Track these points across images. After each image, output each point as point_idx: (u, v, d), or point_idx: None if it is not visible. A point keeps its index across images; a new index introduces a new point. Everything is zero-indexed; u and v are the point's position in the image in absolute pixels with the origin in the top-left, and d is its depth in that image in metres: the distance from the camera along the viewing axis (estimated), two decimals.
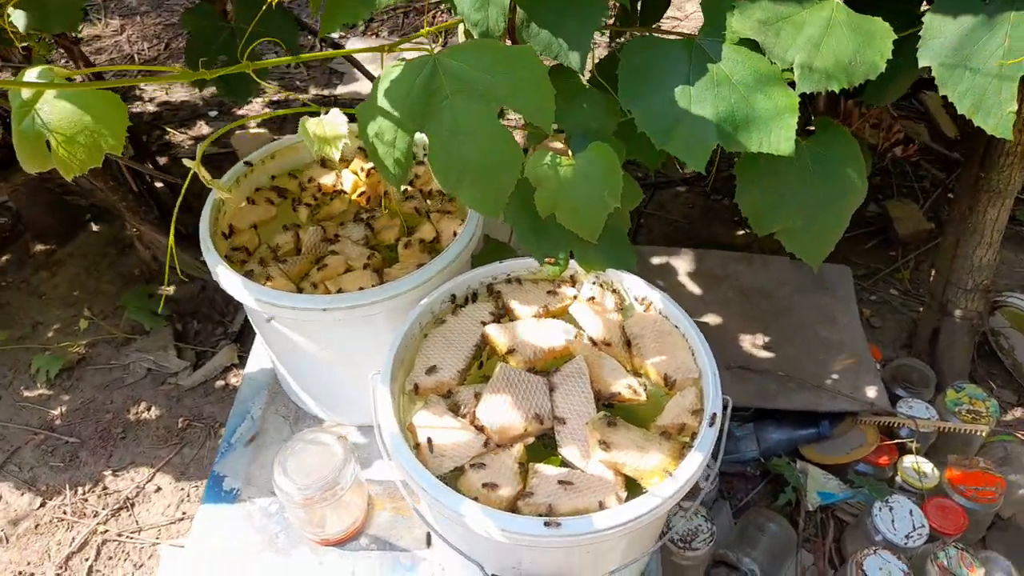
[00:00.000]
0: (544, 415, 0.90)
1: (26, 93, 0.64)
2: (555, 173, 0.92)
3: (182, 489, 1.60)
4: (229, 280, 1.04)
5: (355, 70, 2.64)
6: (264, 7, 1.37)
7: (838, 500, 1.43)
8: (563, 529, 0.78)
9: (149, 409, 1.75)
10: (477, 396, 0.92)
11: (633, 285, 1.05)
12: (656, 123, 0.97)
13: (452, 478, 0.86)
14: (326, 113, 0.78)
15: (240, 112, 2.64)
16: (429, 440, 0.86)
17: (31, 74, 0.64)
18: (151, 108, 2.61)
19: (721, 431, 0.87)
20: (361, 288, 1.04)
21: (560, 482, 0.84)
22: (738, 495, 1.52)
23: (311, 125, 0.78)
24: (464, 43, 0.75)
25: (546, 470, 0.86)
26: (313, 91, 2.68)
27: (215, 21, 1.37)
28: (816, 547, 1.43)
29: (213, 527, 1.14)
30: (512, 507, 0.83)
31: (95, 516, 1.54)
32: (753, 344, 1.58)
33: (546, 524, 0.79)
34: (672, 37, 1.03)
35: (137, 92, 2.66)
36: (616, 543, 0.87)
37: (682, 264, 1.72)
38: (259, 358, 1.38)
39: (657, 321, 1.01)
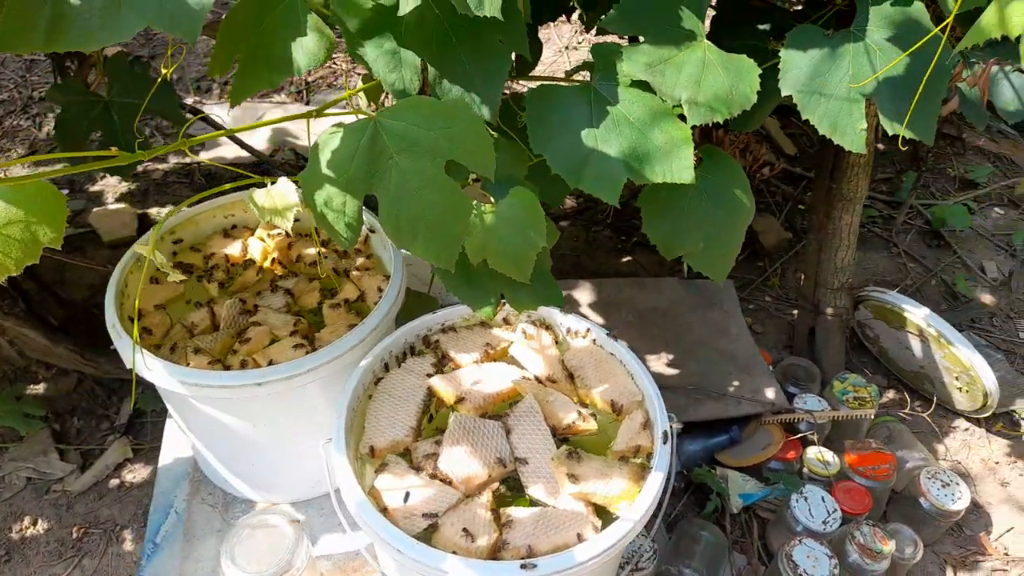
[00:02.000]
0: (505, 458, 0.92)
1: None
2: (481, 221, 0.94)
3: None
4: (150, 366, 0.97)
5: (221, 137, 2.56)
6: (136, 77, 1.33)
7: (758, 499, 1.52)
8: (544, 568, 0.79)
9: (35, 523, 1.58)
10: (435, 449, 0.92)
11: (564, 320, 1.09)
12: (567, 164, 1.03)
13: (426, 536, 0.85)
14: (273, 183, 0.77)
15: (94, 188, 2.48)
16: (407, 495, 0.84)
17: None
18: None
19: (672, 446, 0.92)
20: (289, 358, 1.01)
21: (535, 522, 0.85)
22: (667, 510, 1.58)
23: (259, 197, 0.76)
24: (400, 103, 0.77)
25: (518, 512, 0.87)
26: (173, 159, 2.57)
27: (85, 96, 1.30)
28: (746, 547, 1.51)
29: None
30: (492, 555, 0.84)
31: None
32: (658, 363, 1.67)
33: (522, 566, 0.79)
34: (569, 84, 1.10)
35: None
36: (598, 572, 0.88)
37: (582, 295, 1.79)
38: (174, 447, 1.30)
39: (593, 351, 1.05)
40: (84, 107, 1.28)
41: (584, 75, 1.83)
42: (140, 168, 2.54)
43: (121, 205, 2.30)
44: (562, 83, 1.10)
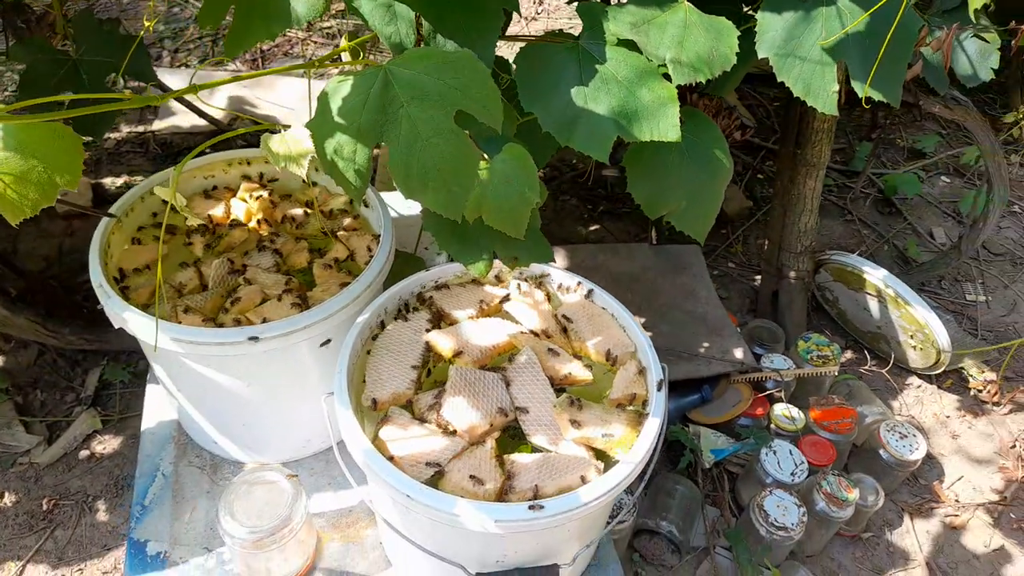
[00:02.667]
0: (506, 407, 0.94)
1: None
2: (476, 177, 0.95)
3: (63, 575, 1.43)
4: (140, 324, 0.96)
5: (171, 103, 2.50)
6: (104, 35, 1.29)
7: (729, 454, 1.58)
8: (551, 508, 0.82)
9: (2, 496, 1.54)
10: (438, 402, 0.93)
11: (556, 276, 1.11)
12: (557, 121, 1.04)
13: (432, 483, 0.86)
14: (285, 129, 0.76)
15: None
16: (415, 453, 0.86)
17: None
18: None
19: (666, 393, 0.96)
20: (282, 316, 1.01)
21: (540, 466, 0.87)
22: None
23: (274, 143, 0.75)
24: (410, 52, 0.77)
25: (522, 458, 0.89)
26: (126, 129, 2.49)
27: (52, 55, 1.26)
28: (718, 499, 1.57)
29: None
30: (499, 498, 0.86)
31: None
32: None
33: (531, 507, 0.82)
34: (558, 43, 1.11)
35: None
36: (596, 516, 0.92)
37: (558, 260, 1.82)
38: (156, 411, 1.28)
39: (585, 305, 1.07)
40: (51, 65, 1.24)
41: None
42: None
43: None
44: (551, 42, 1.11)
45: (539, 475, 0.86)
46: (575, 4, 1.15)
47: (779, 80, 1.14)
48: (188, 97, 2.04)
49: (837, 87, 1.16)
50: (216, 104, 2.45)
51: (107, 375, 1.76)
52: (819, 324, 1.95)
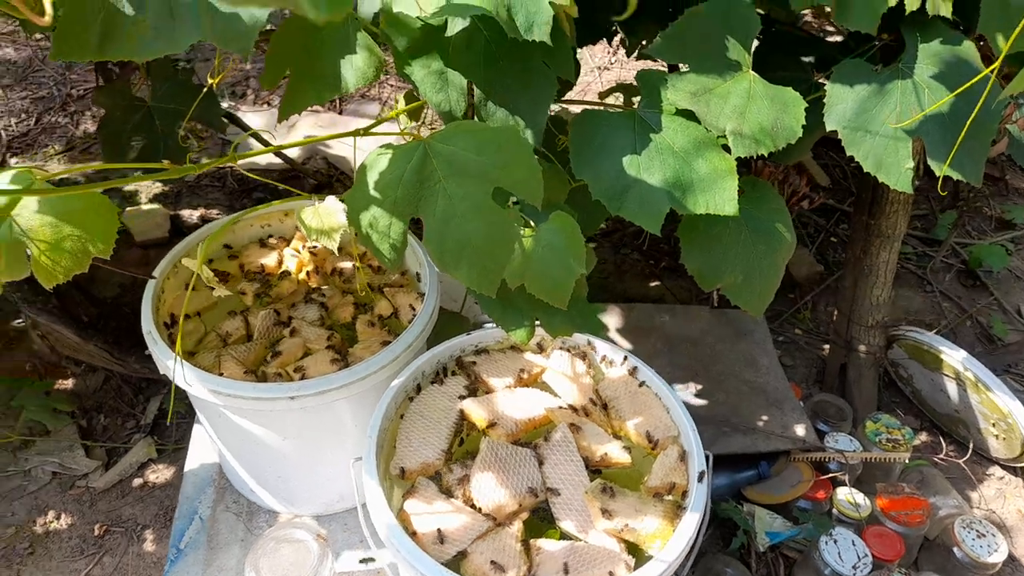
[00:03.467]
0: (537, 487, 0.90)
1: (0, 200, 0.59)
2: (520, 245, 0.94)
3: None
4: (183, 374, 0.97)
5: (251, 140, 2.59)
6: (179, 83, 1.34)
7: (786, 538, 1.49)
8: None
9: (59, 517, 1.59)
10: (466, 475, 0.90)
11: (600, 348, 1.08)
12: (609, 190, 1.02)
13: (455, 564, 0.84)
14: (321, 201, 0.77)
15: (128, 188, 2.51)
16: (439, 531, 0.83)
17: (4, 179, 0.59)
18: None
19: (708, 486, 0.90)
20: (322, 372, 1.01)
21: (567, 557, 0.83)
22: None
23: (307, 217, 0.76)
24: (451, 126, 0.76)
25: (549, 545, 0.85)
26: (205, 162, 2.59)
27: (130, 100, 1.32)
28: None
29: None
30: None
31: None
32: (686, 392, 1.64)
33: None
34: (615, 110, 1.09)
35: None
36: None
37: (611, 319, 1.78)
38: (200, 452, 1.30)
39: (628, 382, 1.03)
40: (127, 111, 1.30)
41: (618, 96, 1.82)
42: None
43: (154, 205, 2.33)
44: (606, 108, 1.09)
45: (565, 567, 0.82)
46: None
47: (848, 154, 1.09)
48: (265, 135, 2.12)
49: (912, 164, 1.10)
50: (292, 142, 2.54)
51: (166, 404, 1.80)
52: (891, 401, 1.84)
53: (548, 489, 0.90)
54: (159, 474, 1.68)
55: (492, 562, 0.82)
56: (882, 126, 1.10)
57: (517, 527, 0.87)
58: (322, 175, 2.37)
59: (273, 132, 2.64)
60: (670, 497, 0.92)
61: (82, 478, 1.65)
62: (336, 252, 0.79)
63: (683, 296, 2.08)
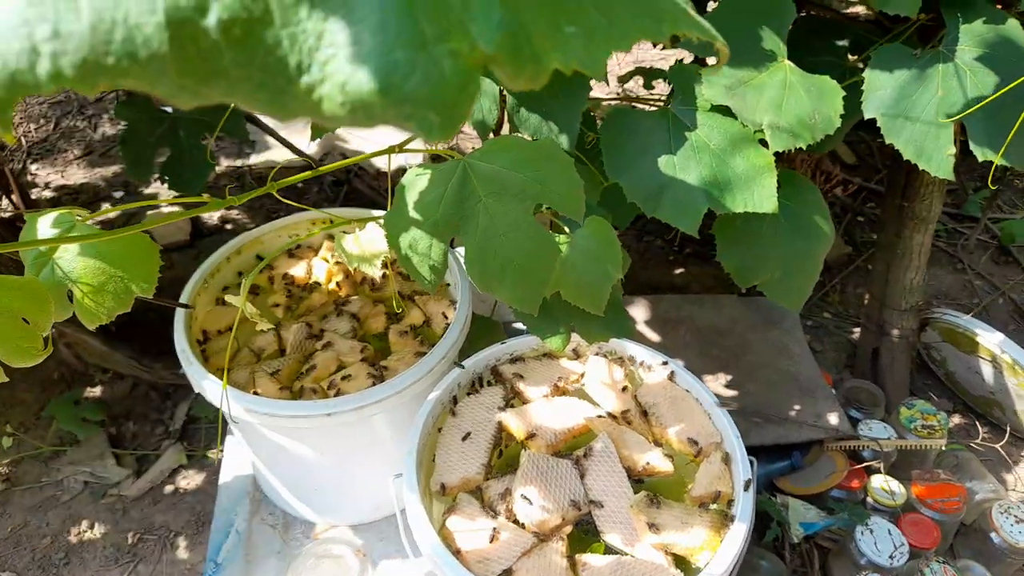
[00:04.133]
0: (580, 500, 0.89)
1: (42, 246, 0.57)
2: None
3: None
4: (216, 393, 0.97)
5: (268, 138, 2.57)
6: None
7: (820, 529, 1.47)
8: None
9: (92, 527, 1.60)
10: (507, 489, 0.89)
11: (637, 353, 1.06)
12: (644, 192, 1.00)
13: None
14: (362, 229, 0.75)
15: (148, 191, 2.50)
16: (480, 538, 0.82)
17: (45, 223, 0.57)
18: (48, 194, 2.43)
19: (754, 494, 0.89)
20: (357, 387, 1.00)
21: (614, 573, 0.82)
22: None
23: (348, 244, 0.74)
24: (489, 143, 0.74)
25: (595, 561, 0.84)
26: (225, 162, 2.58)
27: (152, 113, 1.30)
28: None
29: None
30: None
31: None
32: (717, 384, 1.63)
33: None
34: (648, 108, 1.07)
35: (30, 177, 2.47)
36: None
37: (638, 311, 1.76)
38: (233, 464, 1.30)
39: (667, 387, 1.02)
40: (151, 124, 1.28)
41: (638, 80, 1.77)
42: None
43: (175, 208, 2.31)
44: (639, 106, 1.07)
45: None
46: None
47: (888, 142, 1.06)
48: (282, 133, 2.10)
49: (954, 150, 1.07)
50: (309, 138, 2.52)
51: (195, 410, 1.80)
52: (923, 384, 1.82)
53: (591, 502, 0.89)
54: (190, 480, 1.68)
55: None
56: (922, 112, 1.07)
57: (561, 543, 0.86)
58: (340, 172, 2.35)
59: (292, 129, 2.61)
60: (715, 506, 0.90)
61: (114, 486, 1.66)
62: (378, 278, 0.77)
63: (709, 283, 2.05)
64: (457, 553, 0.84)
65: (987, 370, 1.65)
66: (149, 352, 1.73)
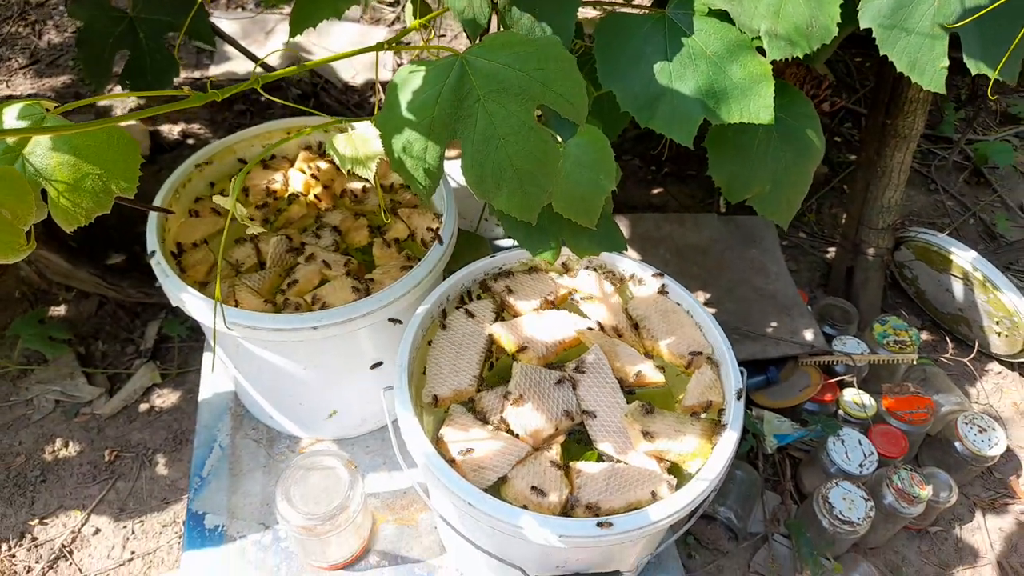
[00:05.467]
0: (572, 410, 0.89)
1: (10, 138, 0.53)
2: None
3: (124, 527, 1.46)
4: (197, 306, 0.93)
5: (227, 48, 2.44)
6: None
7: (793, 440, 1.52)
8: (620, 526, 0.78)
9: (67, 445, 1.57)
10: (500, 401, 0.89)
11: (628, 266, 1.05)
12: (638, 101, 0.97)
13: (495, 489, 0.83)
14: (352, 129, 0.71)
15: (102, 103, 2.36)
16: (475, 448, 0.82)
17: (11, 114, 0.52)
18: None
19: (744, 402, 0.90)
20: (342, 300, 0.97)
21: (608, 478, 0.83)
22: None
23: (340, 144, 0.70)
24: (489, 38, 0.70)
25: (588, 468, 0.85)
26: (184, 74, 2.45)
27: (109, 12, 1.21)
28: (778, 486, 1.52)
29: (205, 573, 1.05)
30: (563, 510, 0.82)
31: (29, 572, 1.38)
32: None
33: (599, 524, 0.78)
34: (642, 13, 1.02)
35: None
36: (664, 529, 0.87)
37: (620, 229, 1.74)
38: (213, 381, 1.27)
39: (658, 300, 1.01)
40: (108, 23, 1.19)
41: None
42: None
43: (132, 122, 2.21)
44: (634, 11, 1.02)
45: (607, 488, 0.82)
46: None
47: (882, 54, 1.04)
48: (243, 41, 1.99)
49: (946, 63, 1.05)
50: (270, 49, 2.40)
51: (166, 329, 1.76)
52: (894, 303, 1.85)
53: (584, 412, 0.89)
54: (164, 399, 1.66)
55: (533, 487, 0.82)
56: (918, 23, 1.04)
57: (555, 451, 0.87)
58: (306, 84, 2.26)
59: (252, 38, 2.49)
60: (707, 416, 0.91)
61: (86, 405, 1.63)
62: (372, 181, 0.73)
63: (687, 203, 2.04)
64: (452, 462, 0.84)
65: (958, 287, 1.69)
66: (113, 269, 1.68)
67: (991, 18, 1.03)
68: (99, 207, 0.56)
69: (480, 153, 0.69)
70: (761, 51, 1.00)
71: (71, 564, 1.40)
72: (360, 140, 0.70)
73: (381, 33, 2.52)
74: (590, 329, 0.97)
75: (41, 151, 0.54)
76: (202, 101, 0.57)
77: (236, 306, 0.97)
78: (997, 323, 1.64)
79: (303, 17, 0.76)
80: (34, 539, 1.43)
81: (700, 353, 0.95)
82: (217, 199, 0.64)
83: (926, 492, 1.34)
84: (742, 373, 0.92)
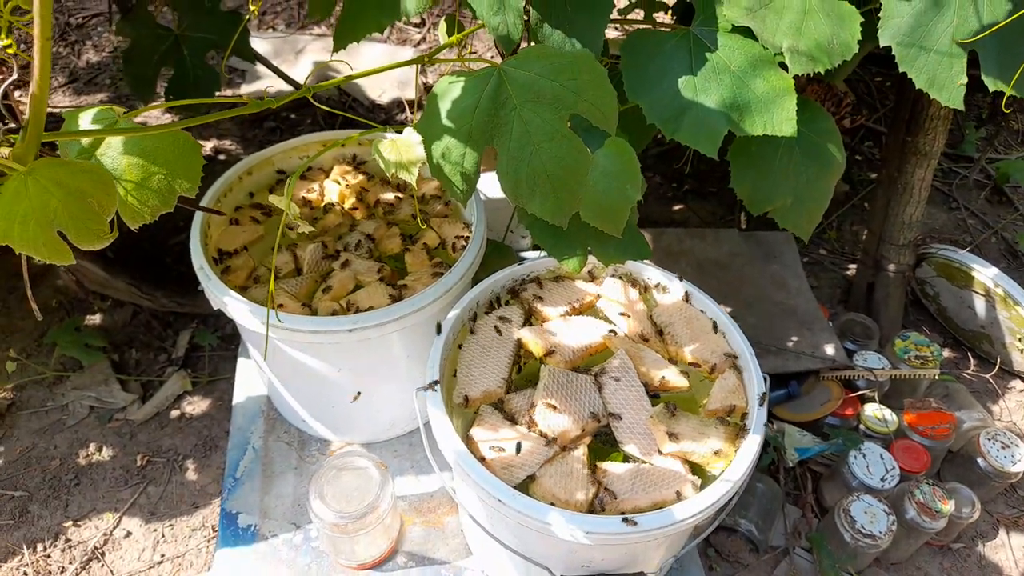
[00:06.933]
0: (599, 412, 0.92)
1: (85, 140, 0.57)
2: None
3: (155, 530, 1.49)
4: (239, 310, 0.97)
5: (259, 67, 2.51)
6: (207, 11, 1.29)
7: (815, 454, 1.53)
8: (645, 524, 0.80)
9: (100, 450, 1.61)
10: (529, 402, 0.92)
11: (652, 275, 1.07)
12: (664, 113, 1.00)
13: (524, 487, 0.86)
14: (398, 132, 0.74)
15: (138, 120, 2.43)
16: (505, 447, 0.85)
17: (85, 118, 0.57)
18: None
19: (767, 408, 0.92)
20: (376, 304, 1.01)
21: (633, 478, 0.85)
22: None
23: (385, 149, 0.74)
24: (525, 50, 0.74)
25: (615, 468, 0.87)
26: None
27: (155, 30, 1.27)
28: (800, 500, 1.52)
29: (237, 570, 1.08)
30: (590, 508, 0.84)
31: (63, 572, 1.42)
32: None
33: (624, 521, 0.80)
34: (668, 30, 1.06)
35: (13, 104, 2.41)
36: (689, 531, 0.89)
37: None
38: (246, 385, 1.31)
39: (682, 308, 1.04)
40: (153, 41, 1.25)
41: (638, 14, 1.76)
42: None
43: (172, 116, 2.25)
44: (660, 29, 1.06)
45: (633, 487, 0.85)
46: None
47: (901, 71, 1.07)
48: (274, 61, 2.05)
49: (965, 79, 1.07)
50: (300, 68, 2.47)
51: (197, 338, 1.81)
52: (915, 319, 1.86)
53: (610, 414, 0.92)
54: (195, 406, 1.70)
55: (562, 485, 0.84)
56: (937, 41, 1.07)
57: (582, 452, 0.89)
58: (334, 102, 2.32)
59: (283, 57, 2.56)
60: (729, 419, 0.93)
61: (120, 411, 1.67)
62: (414, 185, 0.77)
63: (708, 219, 2.07)
64: (482, 461, 0.87)
65: (979, 304, 1.69)
66: (148, 279, 1.73)
67: (1008, 35, 1.05)
68: (164, 205, 0.60)
69: (515, 159, 0.72)
70: (784, 67, 1.03)
71: (103, 566, 1.43)
72: (404, 145, 0.73)
73: (408, 53, 2.58)
74: (615, 334, 1.00)
75: (113, 152, 0.58)
76: (260, 108, 0.61)
77: (279, 307, 1.00)
78: (1019, 340, 1.64)
79: (347, 31, 0.81)
80: (68, 540, 1.46)
81: (729, 357, 0.98)
82: (272, 198, 0.68)
83: (948, 507, 1.35)
84: (765, 379, 0.94)
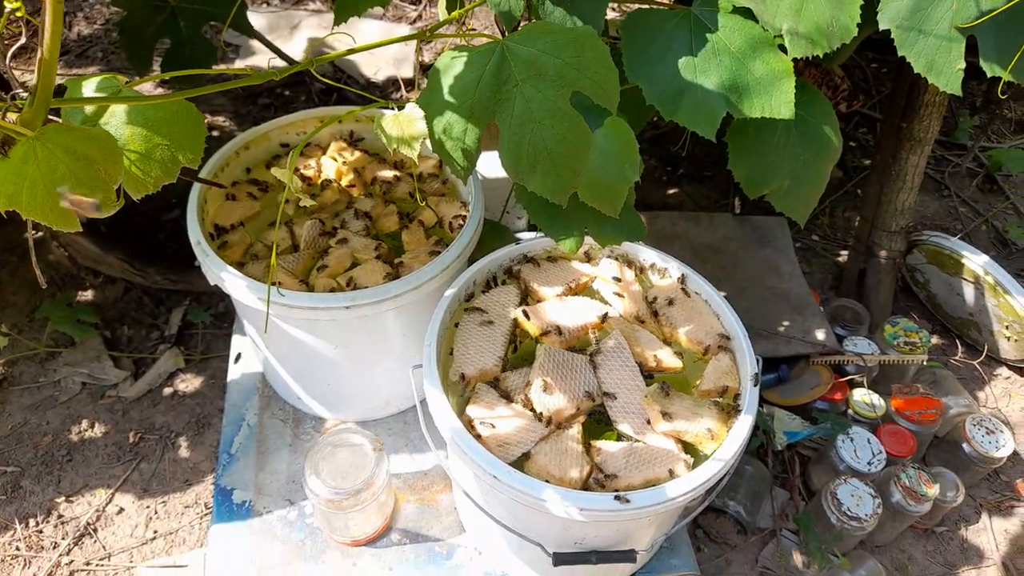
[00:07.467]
0: (593, 392, 0.92)
1: (88, 108, 0.56)
2: None
3: (147, 507, 1.50)
4: (237, 285, 0.97)
5: (252, 42, 2.49)
6: None
7: (803, 437, 1.55)
8: (638, 501, 0.81)
9: (93, 426, 1.61)
10: (525, 381, 0.92)
11: (649, 256, 1.08)
12: (663, 94, 1.00)
13: (519, 465, 0.86)
14: (400, 108, 0.74)
15: (128, 94, 2.40)
16: (500, 424, 0.85)
17: (89, 86, 0.56)
18: (24, 94, 2.34)
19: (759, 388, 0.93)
20: (373, 282, 1.01)
21: (627, 456, 0.86)
22: None
23: (387, 124, 0.73)
24: (528, 26, 0.73)
25: (608, 446, 0.88)
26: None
27: (152, 1, 1.25)
28: (788, 482, 1.54)
29: (232, 545, 1.08)
30: (584, 486, 0.85)
31: (55, 548, 1.42)
32: None
33: (617, 498, 0.81)
34: (668, 9, 1.06)
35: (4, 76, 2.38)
36: (680, 509, 0.91)
37: None
38: (242, 362, 1.31)
39: (678, 289, 1.04)
40: (149, 12, 1.24)
41: None
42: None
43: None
44: (660, 8, 1.06)
45: (626, 465, 0.86)
46: None
47: (900, 55, 1.07)
48: (268, 36, 2.03)
49: (963, 65, 1.08)
50: (295, 44, 2.45)
51: (190, 315, 1.80)
52: (905, 306, 1.88)
53: (604, 393, 0.93)
54: (188, 383, 1.70)
55: (556, 462, 0.85)
56: (936, 25, 1.07)
57: (576, 430, 0.90)
58: (329, 80, 2.30)
59: (278, 33, 2.53)
60: (722, 400, 0.94)
61: (112, 388, 1.67)
62: (415, 160, 0.77)
63: (702, 203, 2.07)
64: (478, 438, 0.87)
65: (969, 291, 1.71)
66: (141, 256, 1.72)
67: (1007, 20, 1.06)
68: (167, 176, 0.60)
69: (517, 136, 0.72)
70: (783, 49, 1.03)
71: (95, 541, 1.44)
72: (407, 121, 0.73)
73: (404, 30, 2.56)
74: (611, 315, 1.00)
75: (116, 122, 0.58)
76: (263, 79, 0.61)
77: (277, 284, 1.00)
78: (1007, 328, 1.66)
79: (349, 4, 0.80)
80: (60, 516, 1.47)
81: (722, 337, 0.99)
82: (275, 171, 0.68)
83: (933, 490, 1.37)
84: (757, 360, 0.95)
